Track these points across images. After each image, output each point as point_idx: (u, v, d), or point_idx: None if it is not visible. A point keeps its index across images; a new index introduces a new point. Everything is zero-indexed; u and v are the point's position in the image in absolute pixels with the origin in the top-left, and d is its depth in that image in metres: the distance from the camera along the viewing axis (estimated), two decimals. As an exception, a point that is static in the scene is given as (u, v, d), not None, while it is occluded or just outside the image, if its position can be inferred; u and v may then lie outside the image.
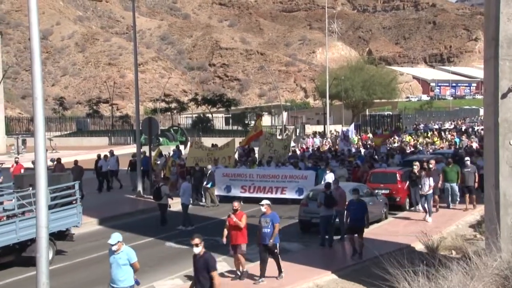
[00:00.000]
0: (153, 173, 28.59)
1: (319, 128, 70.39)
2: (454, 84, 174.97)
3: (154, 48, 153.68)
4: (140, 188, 27.77)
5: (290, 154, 31.77)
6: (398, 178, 23.48)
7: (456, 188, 23.20)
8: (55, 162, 27.32)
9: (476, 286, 9.21)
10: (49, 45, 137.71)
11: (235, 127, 71.78)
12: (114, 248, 10.73)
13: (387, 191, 23.03)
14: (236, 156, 31.94)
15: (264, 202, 14.50)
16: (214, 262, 10.52)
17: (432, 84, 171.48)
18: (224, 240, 14.54)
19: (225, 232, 14.50)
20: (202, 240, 10.64)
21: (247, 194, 26.00)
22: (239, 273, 14.60)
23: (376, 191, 22.10)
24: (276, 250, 14.30)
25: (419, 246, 16.54)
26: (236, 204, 14.57)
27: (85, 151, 44.72)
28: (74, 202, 17.95)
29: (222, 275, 14.40)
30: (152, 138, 31.08)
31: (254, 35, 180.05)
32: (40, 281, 9.82)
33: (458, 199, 23.42)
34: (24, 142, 49.91)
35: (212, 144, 32.99)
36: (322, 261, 15.94)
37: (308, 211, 19.85)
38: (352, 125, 45.83)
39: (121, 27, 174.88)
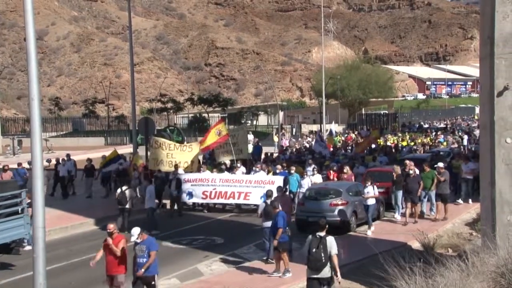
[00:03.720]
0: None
1: (315, 127, 70.41)
2: (450, 83, 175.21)
3: (149, 48, 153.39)
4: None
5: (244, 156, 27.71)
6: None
7: (433, 195, 21.32)
8: (5, 169, 24.72)
9: (474, 283, 9.24)
10: (44, 46, 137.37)
11: (231, 127, 71.65)
12: None
13: (383, 190, 23.01)
14: (201, 159, 28.90)
15: (134, 231, 12.13)
16: None
17: (428, 82, 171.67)
18: (93, 263, 12.41)
19: (99, 254, 12.40)
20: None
21: (207, 200, 24.20)
22: None
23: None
24: (153, 282, 12.18)
25: (416, 245, 16.59)
26: (111, 226, 12.38)
27: (81, 152, 44.56)
28: (20, 212, 16.41)
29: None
30: (149, 138, 30.95)
31: (250, 34, 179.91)
32: (37, 282, 9.77)
33: (434, 208, 21.52)
34: (20, 142, 49.80)
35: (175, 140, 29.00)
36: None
37: (304, 210, 19.95)
38: (332, 125, 41.23)
39: (116, 27, 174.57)
